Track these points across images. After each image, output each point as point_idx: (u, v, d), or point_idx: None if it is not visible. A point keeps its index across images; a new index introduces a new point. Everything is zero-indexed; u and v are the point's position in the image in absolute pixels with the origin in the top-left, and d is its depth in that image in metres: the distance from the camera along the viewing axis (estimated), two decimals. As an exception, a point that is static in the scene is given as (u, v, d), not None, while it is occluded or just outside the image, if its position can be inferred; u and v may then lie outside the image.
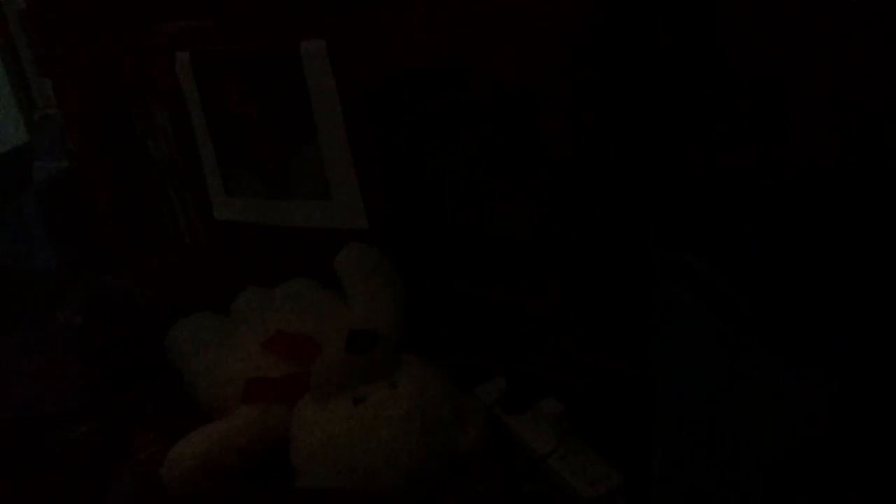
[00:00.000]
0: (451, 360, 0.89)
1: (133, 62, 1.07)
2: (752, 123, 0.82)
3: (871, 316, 0.52)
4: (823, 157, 0.79)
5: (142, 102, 1.15)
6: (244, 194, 1.06)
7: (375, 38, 0.88)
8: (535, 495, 0.78)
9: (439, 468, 0.81)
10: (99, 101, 1.16)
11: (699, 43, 0.81)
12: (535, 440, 0.81)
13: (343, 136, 0.93)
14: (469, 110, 0.92)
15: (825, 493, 0.51)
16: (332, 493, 0.78)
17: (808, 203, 0.66)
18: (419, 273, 0.94)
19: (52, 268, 1.43)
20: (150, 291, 1.18)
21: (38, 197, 1.43)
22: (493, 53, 0.82)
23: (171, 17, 1.02)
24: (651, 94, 0.83)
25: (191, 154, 1.09)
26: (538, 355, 0.92)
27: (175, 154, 1.15)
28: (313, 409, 0.82)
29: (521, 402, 0.86)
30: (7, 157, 1.57)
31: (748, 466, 0.55)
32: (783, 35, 0.78)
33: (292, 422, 0.83)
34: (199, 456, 0.81)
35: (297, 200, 1.02)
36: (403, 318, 0.88)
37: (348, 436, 0.78)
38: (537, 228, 0.89)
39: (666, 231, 0.63)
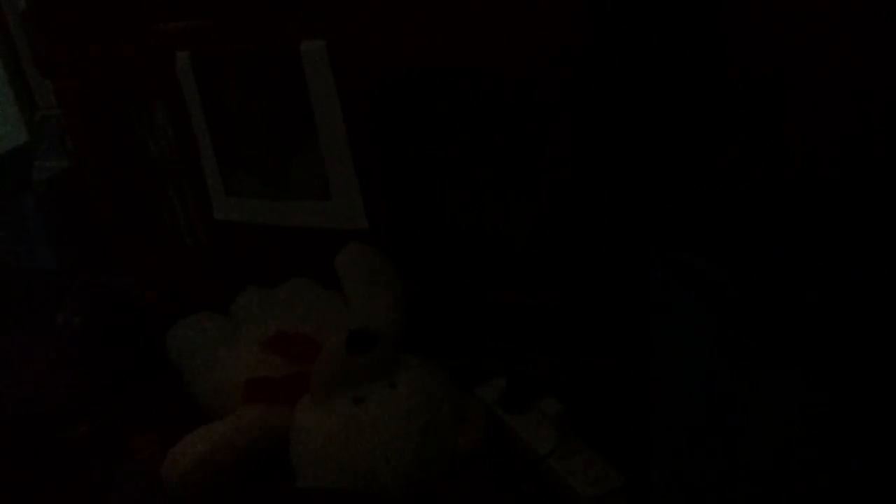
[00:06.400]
0: (451, 360, 0.89)
1: (133, 62, 1.07)
2: (751, 123, 0.82)
3: (871, 315, 0.52)
4: (823, 156, 0.79)
5: (142, 102, 1.15)
6: (244, 194, 1.06)
7: (375, 38, 0.88)
8: (535, 495, 0.78)
9: (439, 468, 0.81)
10: (99, 101, 1.16)
11: (699, 44, 0.81)
12: (535, 440, 0.81)
13: (343, 136, 0.93)
14: (469, 110, 0.92)
15: (824, 492, 0.51)
16: (332, 493, 0.78)
17: (808, 202, 0.66)
18: (419, 273, 0.94)
19: (52, 268, 1.43)
20: (150, 291, 1.18)
21: (38, 197, 1.43)
22: (493, 53, 0.82)
23: (171, 17, 1.02)
24: (651, 95, 0.83)
25: (191, 154, 1.09)
26: (538, 355, 0.92)
27: (175, 154, 1.15)
28: (313, 409, 0.82)
29: (521, 402, 0.86)
30: (7, 157, 1.57)
31: (747, 465, 0.55)
32: (782, 35, 0.78)
33: (292, 422, 0.83)
34: (199, 456, 0.81)
35: (297, 200, 1.02)
36: (403, 318, 0.88)
37: (348, 436, 0.79)
38: (537, 229, 0.89)
39: (665, 231, 0.63)
